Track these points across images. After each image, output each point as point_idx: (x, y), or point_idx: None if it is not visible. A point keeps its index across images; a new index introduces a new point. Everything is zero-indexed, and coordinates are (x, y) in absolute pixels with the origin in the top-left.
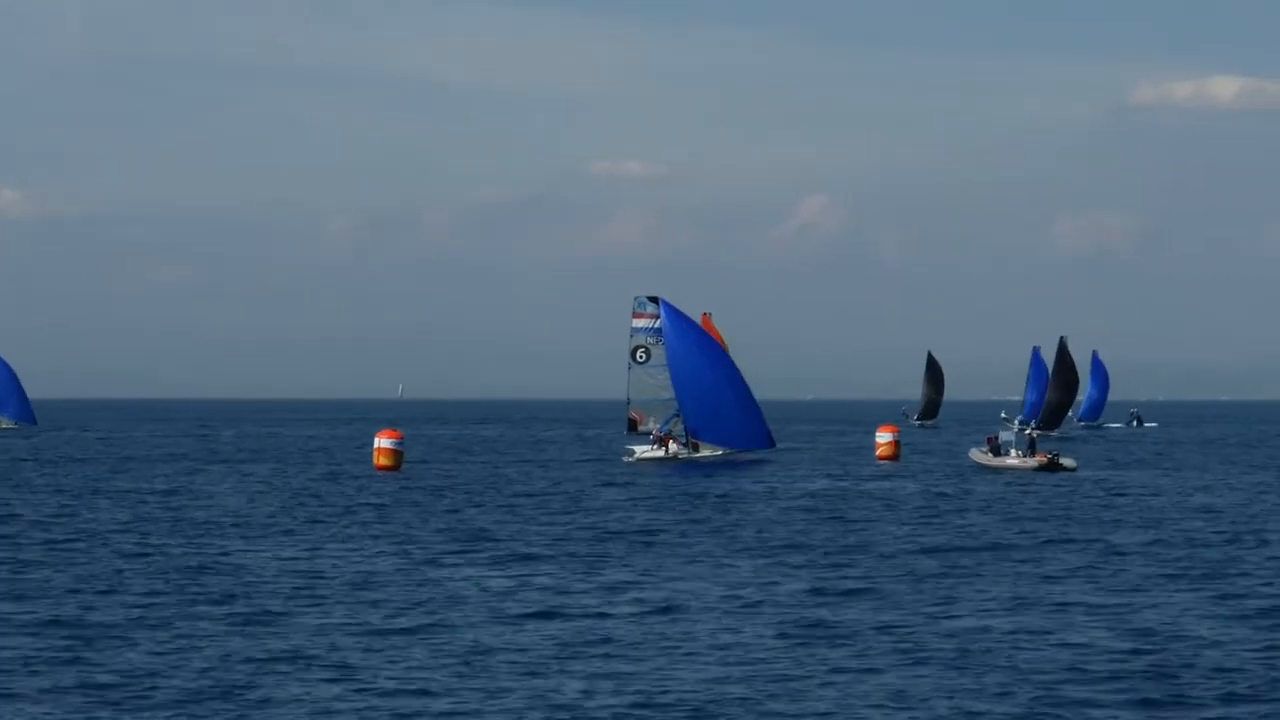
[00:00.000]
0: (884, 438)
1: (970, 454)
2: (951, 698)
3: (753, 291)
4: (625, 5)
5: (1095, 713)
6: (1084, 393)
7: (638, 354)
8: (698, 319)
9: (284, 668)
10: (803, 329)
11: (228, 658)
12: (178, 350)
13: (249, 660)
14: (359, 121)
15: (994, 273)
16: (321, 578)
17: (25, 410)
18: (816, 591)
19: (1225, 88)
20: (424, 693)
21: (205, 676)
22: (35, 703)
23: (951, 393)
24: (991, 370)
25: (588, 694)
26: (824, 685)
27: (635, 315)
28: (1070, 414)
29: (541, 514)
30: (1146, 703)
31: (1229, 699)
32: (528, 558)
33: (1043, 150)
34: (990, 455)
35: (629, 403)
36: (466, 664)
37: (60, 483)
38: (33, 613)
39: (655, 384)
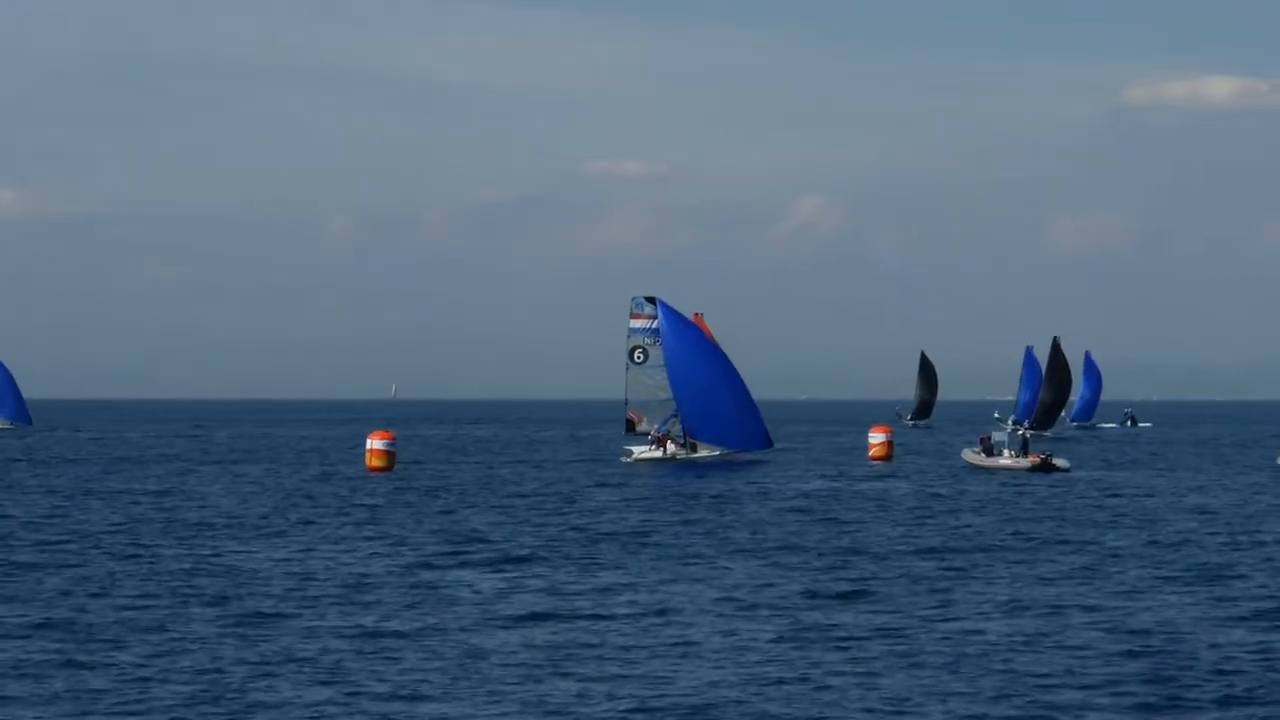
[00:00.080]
0: (877, 438)
1: (963, 454)
2: (946, 701)
3: (752, 291)
4: (625, 5)
5: (1091, 716)
6: (1077, 393)
7: (635, 354)
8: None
9: (276, 670)
10: (802, 329)
11: (220, 660)
12: (177, 350)
13: (241, 662)
14: (359, 121)
15: (993, 273)
16: (314, 579)
17: (21, 410)
18: (811, 594)
19: (1223, 88)
20: (417, 696)
21: (197, 679)
22: (27, 706)
23: (950, 393)
24: (991, 370)
25: (582, 697)
26: (819, 688)
27: (633, 316)
28: (1063, 414)
29: (535, 515)
30: (1143, 706)
31: (1225, 701)
32: (521, 559)
33: (1042, 150)
34: (983, 456)
35: (627, 403)
36: (460, 667)
37: (53, 483)
38: (24, 615)
39: (653, 384)
